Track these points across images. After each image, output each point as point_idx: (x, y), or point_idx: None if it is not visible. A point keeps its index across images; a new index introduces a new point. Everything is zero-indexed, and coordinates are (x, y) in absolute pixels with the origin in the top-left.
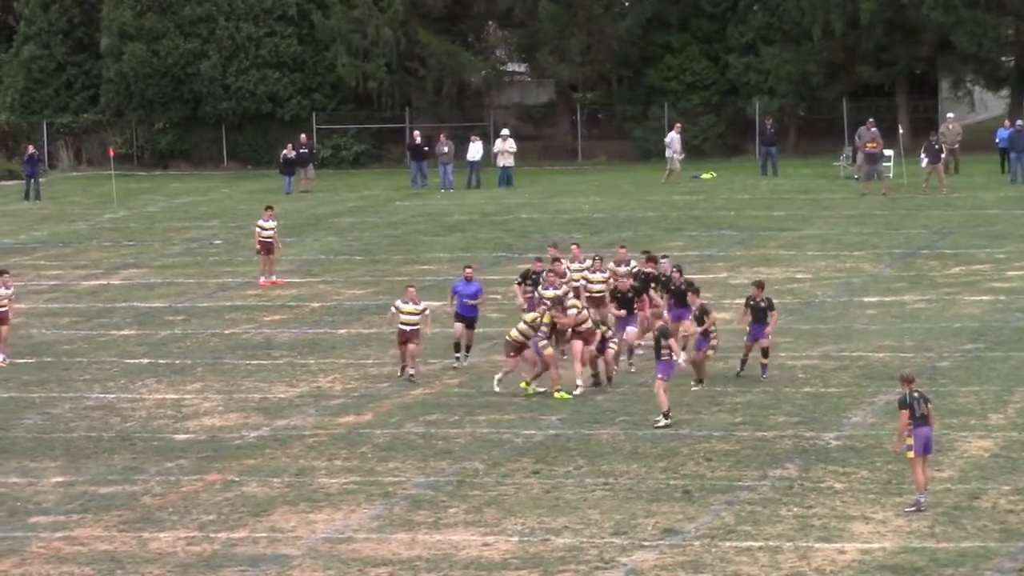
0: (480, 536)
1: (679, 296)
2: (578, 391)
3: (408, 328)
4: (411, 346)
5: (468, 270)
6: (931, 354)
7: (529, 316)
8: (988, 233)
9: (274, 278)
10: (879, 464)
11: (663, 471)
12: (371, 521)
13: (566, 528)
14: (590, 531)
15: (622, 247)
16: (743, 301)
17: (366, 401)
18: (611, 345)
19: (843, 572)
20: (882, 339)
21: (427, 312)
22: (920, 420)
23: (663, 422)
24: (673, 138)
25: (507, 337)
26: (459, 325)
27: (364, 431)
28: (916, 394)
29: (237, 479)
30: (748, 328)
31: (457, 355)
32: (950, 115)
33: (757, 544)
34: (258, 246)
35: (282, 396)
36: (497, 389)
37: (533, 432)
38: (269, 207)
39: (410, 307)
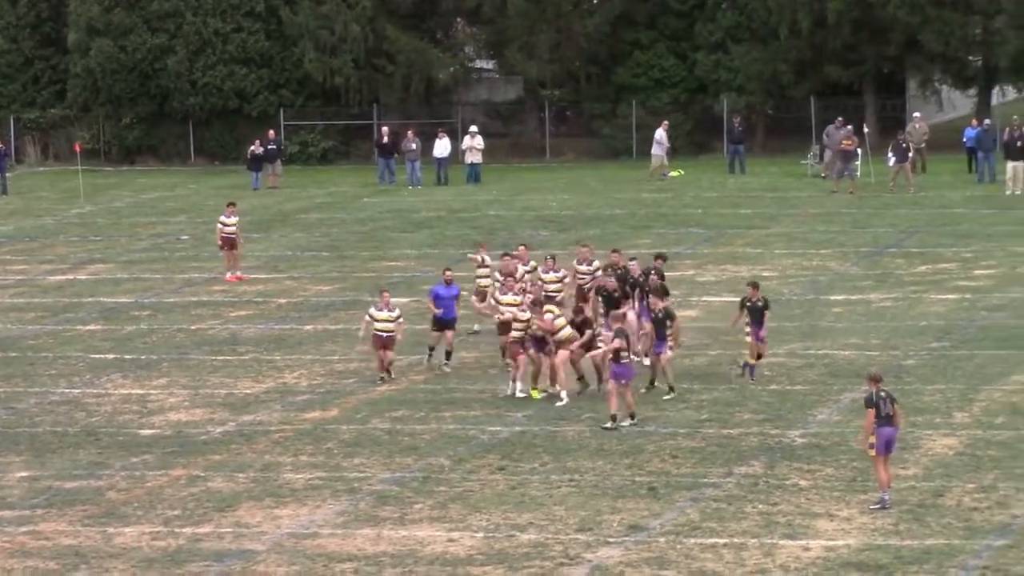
0: (445, 532)
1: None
2: (560, 403)
3: (384, 335)
4: (389, 353)
5: (448, 273)
6: (897, 352)
7: (505, 299)
8: (955, 232)
9: (238, 274)
10: (844, 462)
11: (628, 468)
12: (336, 517)
13: (531, 524)
14: (555, 527)
15: (583, 245)
16: (737, 300)
17: (332, 397)
18: (599, 344)
19: (808, 569)
20: (848, 337)
21: (401, 320)
22: (884, 420)
23: (625, 423)
24: (661, 135)
25: (507, 339)
26: (436, 333)
27: (330, 427)
28: (883, 393)
29: (202, 474)
30: (747, 328)
31: (431, 354)
32: (916, 114)
33: (722, 541)
34: (220, 242)
35: (248, 392)
36: (520, 393)
37: (499, 428)
38: (231, 203)
39: (384, 314)
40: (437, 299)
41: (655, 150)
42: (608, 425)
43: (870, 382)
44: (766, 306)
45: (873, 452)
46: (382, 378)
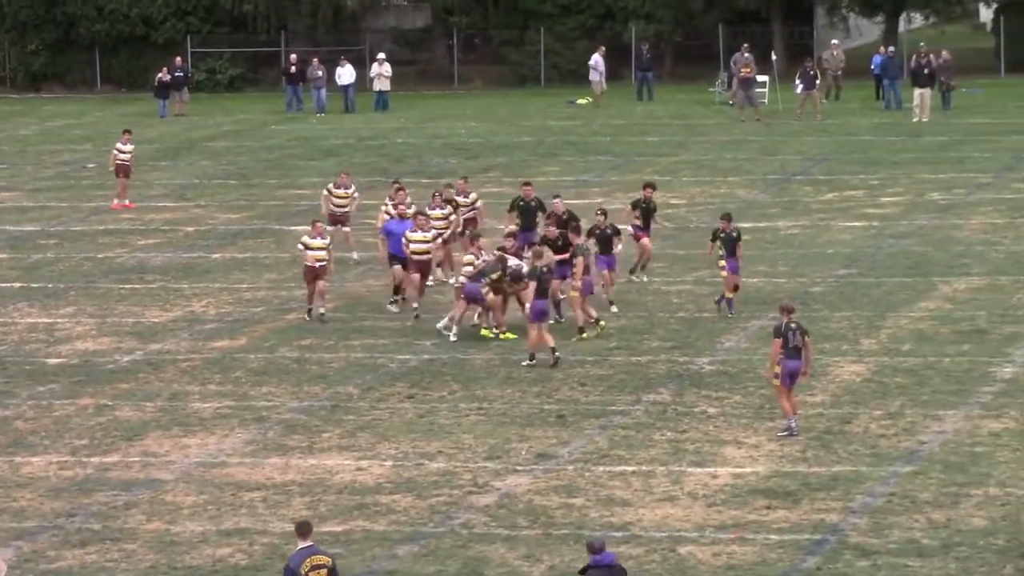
0: (354, 461)
1: (605, 242)
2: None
3: (318, 264)
4: (320, 283)
5: (401, 207)
6: (804, 280)
7: (467, 259)
8: (862, 159)
9: (127, 202)
10: (752, 389)
11: (537, 396)
12: (245, 446)
13: (440, 453)
14: (464, 455)
15: (461, 179)
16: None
17: (240, 325)
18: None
19: (716, 496)
20: (756, 265)
21: (331, 247)
22: (792, 352)
23: (527, 362)
24: (597, 61)
25: (455, 284)
26: (397, 267)
27: (238, 356)
28: (794, 325)
29: (110, 403)
30: (722, 262)
31: (394, 299)
32: (834, 42)
33: (631, 468)
34: (112, 168)
35: (156, 320)
36: (452, 337)
37: (408, 357)
38: (127, 130)
39: (318, 242)
40: (390, 234)
41: (592, 75)
42: (526, 363)
43: (782, 312)
44: (739, 237)
45: (777, 382)
46: (321, 316)
